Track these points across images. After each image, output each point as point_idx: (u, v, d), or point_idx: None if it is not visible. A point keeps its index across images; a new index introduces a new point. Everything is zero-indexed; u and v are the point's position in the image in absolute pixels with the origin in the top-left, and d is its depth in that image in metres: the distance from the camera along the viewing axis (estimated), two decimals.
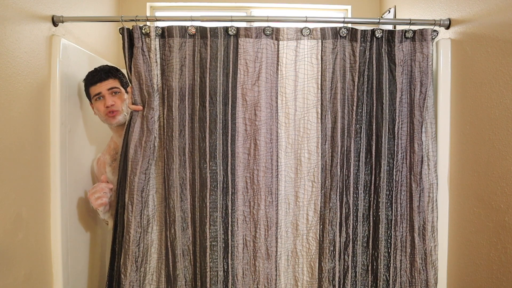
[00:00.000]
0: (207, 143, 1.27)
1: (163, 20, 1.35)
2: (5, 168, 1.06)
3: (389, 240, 1.34)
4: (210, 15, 1.34)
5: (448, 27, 1.36)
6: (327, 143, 1.32)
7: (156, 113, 1.28)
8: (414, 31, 1.31)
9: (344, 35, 1.30)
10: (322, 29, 1.31)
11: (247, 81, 1.29)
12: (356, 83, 1.31)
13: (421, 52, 1.31)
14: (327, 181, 1.32)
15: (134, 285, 1.26)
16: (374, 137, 1.33)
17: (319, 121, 1.32)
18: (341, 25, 1.31)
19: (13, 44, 1.09)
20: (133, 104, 1.28)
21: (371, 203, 1.34)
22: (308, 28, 1.30)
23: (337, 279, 1.32)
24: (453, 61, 1.34)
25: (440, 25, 1.35)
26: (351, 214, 1.33)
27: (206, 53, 1.27)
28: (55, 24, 1.33)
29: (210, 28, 1.28)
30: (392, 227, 1.33)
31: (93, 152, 1.60)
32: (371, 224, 1.35)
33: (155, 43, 1.26)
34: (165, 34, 1.27)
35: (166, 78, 1.27)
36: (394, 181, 1.33)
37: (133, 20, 1.28)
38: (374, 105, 1.33)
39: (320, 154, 1.32)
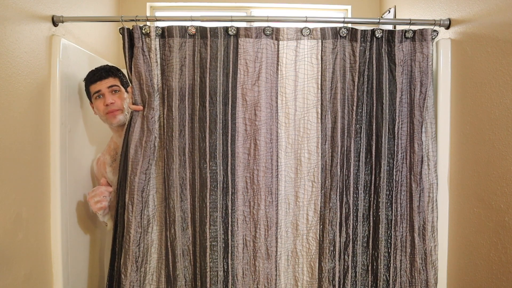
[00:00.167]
0: (207, 143, 1.27)
1: (163, 20, 1.35)
2: (5, 168, 1.06)
3: (389, 240, 1.34)
4: (210, 15, 1.34)
5: (448, 27, 1.36)
6: (327, 143, 1.32)
7: (156, 113, 1.28)
8: (414, 31, 1.31)
9: (344, 35, 1.30)
10: (322, 29, 1.31)
11: (247, 81, 1.29)
12: (356, 83, 1.31)
13: (421, 52, 1.31)
14: (327, 181, 1.32)
15: (135, 285, 1.26)
16: (374, 137, 1.33)
17: (319, 121, 1.32)
18: (341, 25, 1.31)
19: (13, 44, 1.09)
20: (133, 104, 1.28)
21: (371, 203, 1.34)
22: (308, 28, 1.30)
23: (337, 279, 1.32)
24: (453, 61, 1.34)
25: (440, 25, 1.35)
26: (351, 214, 1.33)
27: (206, 53, 1.27)
28: (55, 24, 1.33)
29: (210, 28, 1.28)
30: (392, 227, 1.33)
31: (93, 152, 1.60)
32: (371, 224, 1.35)
33: (155, 43, 1.26)
34: (165, 34, 1.27)
35: (166, 78, 1.27)
36: (394, 181, 1.33)
37: (133, 20, 1.28)
38: (374, 105, 1.33)
39: (320, 154, 1.32)
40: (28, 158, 1.16)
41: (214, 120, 1.28)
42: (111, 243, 1.32)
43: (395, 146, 1.32)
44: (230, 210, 1.30)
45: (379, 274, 1.34)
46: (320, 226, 1.33)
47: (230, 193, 1.29)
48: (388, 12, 2.03)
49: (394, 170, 1.32)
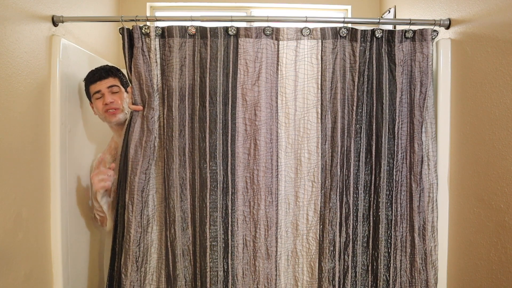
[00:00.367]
0: (207, 143, 1.27)
1: (163, 20, 1.35)
2: (5, 168, 1.06)
3: (389, 240, 1.34)
4: (210, 15, 1.34)
5: (448, 27, 1.36)
6: (327, 143, 1.32)
7: (156, 113, 1.28)
8: (414, 31, 1.31)
9: (344, 35, 1.30)
10: (322, 29, 1.31)
11: (247, 81, 1.29)
12: (356, 83, 1.31)
13: (421, 52, 1.31)
14: (327, 181, 1.32)
15: (135, 285, 1.26)
16: (374, 137, 1.33)
17: (319, 121, 1.32)
18: (341, 25, 1.31)
19: (13, 44, 1.09)
20: (133, 104, 1.28)
21: (371, 203, 1.34)
22: (308, 28, 1.30)
23: (337, 279, 1.32)
24: (453, 61, 1.34)
25: (440, 25, 1.35)
26: (351, 214, 1.33)
27: (206, 53, 1.27)
28: (55, 24, 1.33)
29: (210, 28, 1.28)
30: (392, 227, 1.33)
31: (93, 152, 1.60)
32: (371, 224, 1.35)
33: (155, 43, 1.26)
34: (165, 34, 1.27)
35: (166, 78, 1.27)
36: (394, 181, 1.33)
37: (133, 20, 1.28)
38: (374, 105, 1.33)
39: (320, 154, 1.32)
40: (28, 158, 1.16)
41: (214, 120, 1.28)
42: (111, 243, 1.32)
43: (395, 146, 1.32)
44: (230, 210, 1.30)
45: (379, 274, 1.34)
46: (320, 226, 1.33)
47: (230, 193, 1.29)
48: (388, 12, 2.03)
49: (394, 170, 1.32)
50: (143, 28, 1.24)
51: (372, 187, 1.34)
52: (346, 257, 1.33)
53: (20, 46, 1.13)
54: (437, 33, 1.31)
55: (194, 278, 1.32)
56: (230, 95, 1.29)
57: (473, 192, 1.22)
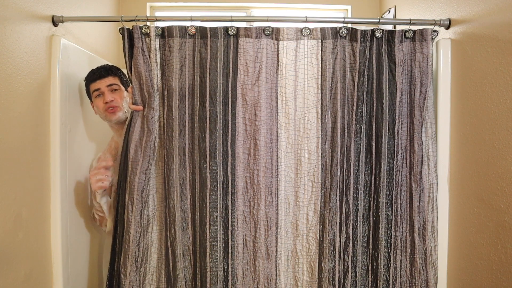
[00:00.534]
0: (207, 143, 1.27)
1: (163, 20, 1.35)
2: (5, 168, 1.06)
3: (389, 240, 1.34)
4: (210, 15, 1.34)
5: (448, 27, 1.36)
6: (327, 143, 1.32)
7: (156, 113, 1.28)
8: (414, 31, 1.31)
9: (344, 35, 1.30)
10: (322, 29, 1.31)
11: (247, 81, 1.29)
12: (356, 83, 1.31)
13: (421, 52, 1.31)
14: (327, 181, 1.32)
15: (134, 285, 1.26)
16: (374, 137, 1.33)
17: (319, 121, 1.32)
18: (341, 25, 1.31)
19: (13, 44, 1.09)
20: (133, 104, 1.28)
21: (371, 203, 1.34)
22: (308, 28, 1.30)
23: (337, 279, 1.32)
24: (453, 61, 1.34)
25: (440, 25, 1.35)
26: (351, 214, 1.33)
27: (206, 53, 1.27)
28: (55, 24, 1.33)
29: (210, 28, 1.28)
30: (392, 227, 1.33)
31: (93, 152, 1.60)
32: (371, 224, 1.35)
33: (155, 43, 1.26)
34: (165, 34, 1.27)
35: (166, 78, 1.27)
36: (394, 181, 1.33)
37: (133, 20, 1.28)
38: (374, 105, 1.33)
39: (320, 154, 1.32)
40: (28, 158, 1.16)
41: (214, 120, 1.28)
42: (111, 243, 1.32)
43: (395, 146, 1.32)
44: (230, 210, 1.30)
45: (379, 274, 1.34)
46: (320, 226, 1.33)
47: (230, 193, 1.29)
48: (388, 12, 2.03)
49: (394, 170, 1.32)
50: (143, 28, 1.24)
51: (372, 187, 1.34)
52: (346, 257, 1.33)
53: (20, 46, 1.13)
54: (437, 33, 1.31)
55: (194, 278, 1.32)
56: (230, 95, 1.29)
57: (473, 192, 1.22)
